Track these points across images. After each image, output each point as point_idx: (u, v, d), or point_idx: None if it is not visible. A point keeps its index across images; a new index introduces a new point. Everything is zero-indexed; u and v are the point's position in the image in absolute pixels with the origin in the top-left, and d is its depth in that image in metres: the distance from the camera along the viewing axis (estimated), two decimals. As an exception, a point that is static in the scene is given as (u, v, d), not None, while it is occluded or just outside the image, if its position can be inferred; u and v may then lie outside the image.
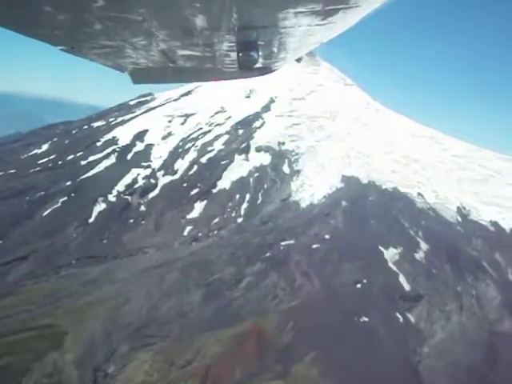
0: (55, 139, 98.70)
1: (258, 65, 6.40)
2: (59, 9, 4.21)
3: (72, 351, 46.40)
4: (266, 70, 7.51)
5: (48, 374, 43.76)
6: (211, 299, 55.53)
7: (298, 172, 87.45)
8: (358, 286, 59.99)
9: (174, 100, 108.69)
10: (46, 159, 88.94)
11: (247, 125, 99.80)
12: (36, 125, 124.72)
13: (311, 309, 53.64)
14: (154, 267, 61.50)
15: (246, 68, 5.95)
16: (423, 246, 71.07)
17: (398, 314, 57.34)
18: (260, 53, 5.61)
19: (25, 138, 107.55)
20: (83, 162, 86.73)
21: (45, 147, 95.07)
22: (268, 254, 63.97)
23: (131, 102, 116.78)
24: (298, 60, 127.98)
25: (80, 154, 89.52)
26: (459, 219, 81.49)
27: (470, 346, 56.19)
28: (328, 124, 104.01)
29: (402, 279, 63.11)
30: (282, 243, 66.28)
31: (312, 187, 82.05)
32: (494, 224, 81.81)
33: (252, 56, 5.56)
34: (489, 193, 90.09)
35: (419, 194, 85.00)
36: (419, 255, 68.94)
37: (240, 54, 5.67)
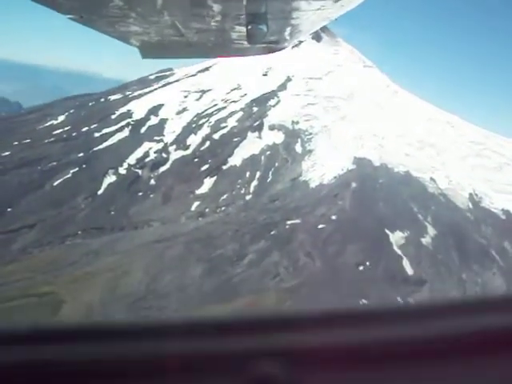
0: (72, 111, 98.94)
1: (267, 40, 6.27)
2: None
3: (69, 320, 46.87)
4: (275, 47, 7.35)
5: (44, 342, 44.33)
6: (211, 275, 55.73)
7: (310, 152, 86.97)
8: (361, 268, 59.76)
9: (192, 76, 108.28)
10: (61, 130, 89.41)
11: (262, 103, 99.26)
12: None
13: (310, 289, 53.48)
14: (158, 241, 61.83)
15: (255, 41, 5.82)
16: (431, 231, 70.47)
17: (399, 299, 56.97)
18: (269, 27, 5.49)
19: (43, 109, 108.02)
20: (97, 134, 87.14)
21: (61, 118, 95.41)
22: (273, 233, 63.91)
23: (151, 77, 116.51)
24: (318, 40, 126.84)
25: (94, 126, 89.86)
26: (470, 206, 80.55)
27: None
28: (344, 105, 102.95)
29: (405, 263, 62.73)
30: (288, 222, 66.12)
31: (323, 167, 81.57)
32: (506, 212, 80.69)
33: (261, 29, 5.41)
34: (502, 181, 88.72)
35: (431, 178, 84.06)
36: (426, 240, 68.39)
37: (249, 27, 5.50)
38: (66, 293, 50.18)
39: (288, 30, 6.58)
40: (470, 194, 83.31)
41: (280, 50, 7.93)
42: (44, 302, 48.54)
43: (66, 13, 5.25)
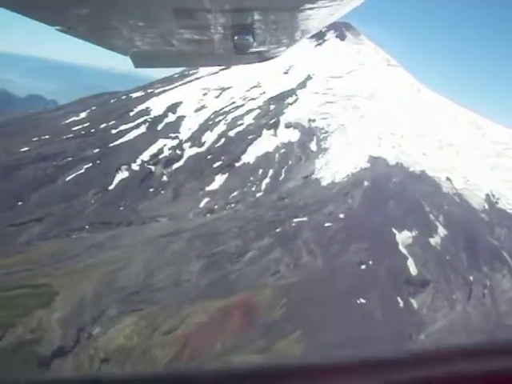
0: (93, 108, 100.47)
1: (256, 49, 6.42)
2: None
3: (60, 311, 47.54)
4: (265, 56, 7.48)
5: (31, 331, 45.06)
6: (210, 270, 55.76)
7: (325, 150, 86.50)
8: (363, 267, 59.05)
9: (213, 73, 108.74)
10: (80, 127, 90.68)
11: (280, 100, 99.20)
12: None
13: (309, 287, 53.12)
14: (162, 236, 62.10)
15: (242, 52, 5.96)
16: (441, 231, 69.29)
17: (398, 298, 56.21)
18: (256, 37, 5.63)
19: (68, 106, 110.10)
20: (114, 131, 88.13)
21: (82, 115, 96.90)
22: (278, 230, 63.64)
23: (175, 75, 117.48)
24: (342, 38, 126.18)
25: (112, 122, 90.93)
26: (486, 207, 78.95)
27: (471, 337, 54.64)
28: (363, 104, 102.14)
29: (410, 263, 61.74)
30: (295, 220, 65.78)
31: (336, 166, 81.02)
32: (523, 214, 78.93)
33: (247, 40, 5.53)
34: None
35: (448, 178, 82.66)
36: (434, 240, 67.27)
37: (235, 38, 5.62)
38: (61, 284, 50.74)
39: (277, 38, 6.65)
40: (487, 195, 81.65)
41: (270, 58, 8.00)
42: (38, 293, 49.19)
43: (52, 24, 5.33)
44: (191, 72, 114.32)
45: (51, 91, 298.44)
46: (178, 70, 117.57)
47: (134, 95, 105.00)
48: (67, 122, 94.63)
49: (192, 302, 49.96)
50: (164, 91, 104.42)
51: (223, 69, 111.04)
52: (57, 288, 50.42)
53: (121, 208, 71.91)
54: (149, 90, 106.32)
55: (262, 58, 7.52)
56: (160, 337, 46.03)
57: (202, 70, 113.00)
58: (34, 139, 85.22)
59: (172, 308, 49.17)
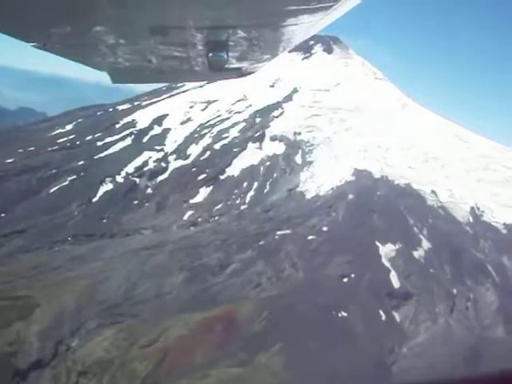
0: (80, 120, 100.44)
1: (232, 66, 6.37)
2: (28, 3, 4.16)
3: (39, 323, 47.19)
4: (242, 72, 7.43)
5: (9, 343, 44.72)
6: (191, 283, 55.54)
7: (310, 163, 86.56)
8: (345, 280, 58.93)
9: (200, 87, 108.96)
10: (66, 139, 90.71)
11: (266, 113, 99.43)
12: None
13: (290, 300, 52.97)
14: (144, 248, 61.85)
15: (216, 69, 5.91)
16: (425, 244, 69.24)
17: (381, 312, 56.09)
18: (231, 53, 5.59)
19: (56, 118, 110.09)
20: (99, 143, 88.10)
21: (68, 127, 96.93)
22: (261, 243, 63.46)
23: (163, 88, 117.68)
24: (329, 52, 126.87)
25: (98, 134, 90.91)
26: (470, 219, 79.04)
27: (453, 350, 54.56)
28: (349, 117, 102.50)
29: (393, 276, 61.65)
30: (278, 233, 65.65)
31: (321, 179, 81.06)
32: (508, 227, 78.92)
33: (222, 57, 5.48)
34: (508, 194, 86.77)
35: (433, 191, 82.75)
36: (418, 253, 67.18)
37: (210, 55, 5.57)
38: (41, 297, 50.40)
39: (253, 54, 6.60)
40: (472, 208, 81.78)
41: (248, 74, 7.94)
42: (18, 306, 48.79)
43: (27, 40, 5.25)
44: (178, 85, 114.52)
45: (42, 104, 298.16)
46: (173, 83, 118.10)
47: (121, 108, 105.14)
48: (53, 134, 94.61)
49: (172, 314, 49.71)
50: (150, 104, 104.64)
51: (210, 82, 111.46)
52: (37, 300, 50.06)
53: (104, 220, 71.69)
54: (135, 103, 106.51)
55: (240, 73, 7.50)
56: (139, 350, 45.68)
57: (189, 84, 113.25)
58: (20, 151, 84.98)
59: (152, 321, 48.89)
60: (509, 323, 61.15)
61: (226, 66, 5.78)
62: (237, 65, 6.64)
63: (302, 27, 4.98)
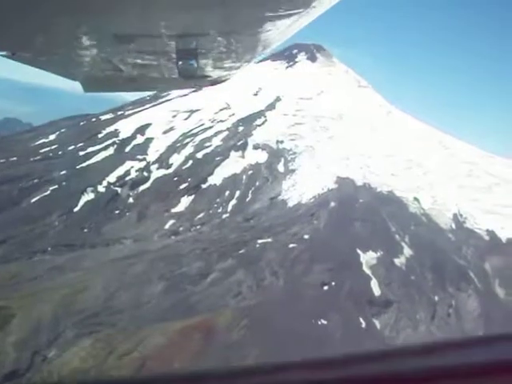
0: (63, 130, 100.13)
1: (204, 74, 6.28)
2: None
3: (15, 333, 46.85)
4: (215, 80, 7.34)
5: (-15, 355, 44.44)
6: (171, 292, 55.25)
7: (293, 171, 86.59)
8: (325, 288, 58.79)
9: (183, 95, 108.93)
10: (48, 149, 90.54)
11: (248, 122, 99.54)
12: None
13: (270, 308, 52.75)
14: (124, 258, 61.57)
15: (186, 77, 5.82)
16: (406, 251, 69.25)
17: (361, 319, 55.96)
18: (203, 61, 5.51)
19: (40, 128, 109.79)
20: (82, 153, 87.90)
21: (51, 137, 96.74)
22: (242, 251, 63.24)
23: (147, 97, 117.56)
24: (313, 60, 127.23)
25: (80, 144, 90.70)
26: (453, 226, 79.21)
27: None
28: (332, 125, 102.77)
29: (373, 284, 61.56)
30: (259, 241, 65.45)
31: (303, 187, 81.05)
32: (491, 233, 79.13)
33: (191, 64, 5.41)
34: (491, 201, 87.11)
35: (415, 198, 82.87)
36: (400, 261, 67.17)
37: (180, 63, 5.47)
38: (18, 307, 50.01)
39: (224, 62, 6.53)
40: (455, 215, 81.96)
41: (220, 82, 7.85)
42: (-7, 316, 48.54)
43: None
44: (162, 94, 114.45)
45: (28, 114, 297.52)
46: (149, 92, 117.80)
47: (104, 117, 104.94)
48: (36, 144, 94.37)
49: (151, 323, 49.39)
50: (134, 113, 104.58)
51: (193, 91, 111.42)
52: (13, 311, 49.65)
53: (85, 230, 71.40)
54: (119, 112, 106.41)
55: (214, 81, 7.45)
56: (116, 360, 45.33)
57: (173, 93, 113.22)
58: (2, 161, 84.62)
59: (130, 330, 48.57)
60: (490, 329, 61.25)
61: (199, 73, 5.74)
62: (209, 72, 6.61)
63: (274, 33, 4.95)
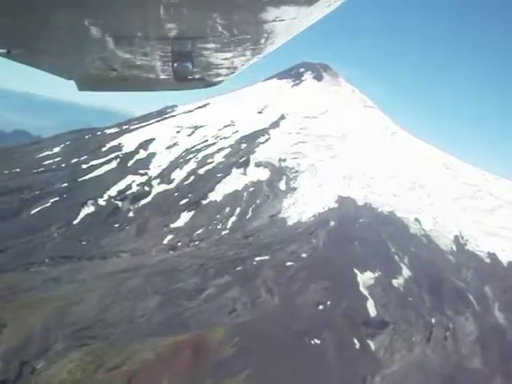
0: (68, 143, 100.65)
1: (198, 76, 6.37)
2: None
3: (5, 344, 46.79)
4: (207, 82, 7.42)
5: (-26, 365, 44.31)
6: (165, 307, 55.00)
7: (294, 189, 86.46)
8: (320, 307, 58.38)
9: (189, 111, 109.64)
10: (52, 161, 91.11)
11: (252, 139, 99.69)
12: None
13: (263, 326, 52.39)
14: (120, 271, 61.48)
15: (181, 79, 5.90)
16: (405, 272, 68.76)
17: (355, 340, 55.46)
18: (195, 63, 5.59)
19: (45, 141, 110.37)
20: (84, 166, 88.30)
21: (56, 150, 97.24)
22: (239, 268, 63.04)
23: (154, 113, 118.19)
24: (319, 79, 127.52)
25: (84, 157, 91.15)
26: (454, 248, 78.57)
27: (428, 380, 54.01)
28: (336, 144, 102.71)
29: (369, 304, 61.09)
30: (257, 258, 65.24)
31: (304, 205, 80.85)
32: (492, 256, 78.43)
33: (186, 67, 5.50)
34: (493, 223, 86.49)
35: (416, 219, 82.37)
36: (397, 282, 66.69)
37: (175, 65, 5.56)
38: (10, 317, 49.99)
39: (218, 66, 6.60)
40: (456, 236, 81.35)
41: (213, 84, 7.91)
42: (-16, 326, 48.47)
43: None
44: (167, 110, 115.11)
45: (39, 127, 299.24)
46: (156, 107, 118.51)
47: (109, 131, 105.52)
48: (40, 156, 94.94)
49: (142, 338, 49.09)
50: (138, 128, 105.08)
51: (199, 107, 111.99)
52: (5, 321, 49.61)
53: (83, 242, 71.50)
54: (124, 127, 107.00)
55: (207, 83, 7.47)
56: (104, 373, 45.06)
57: (178, 108, 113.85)
58: (5, 172, 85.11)
59: (120, 344, 48.29)
60: (487, 353, 60.66)
61: (193, 75, 5.76)
62: (204, 75, 6.63)
63: (268, 38, 4.95)
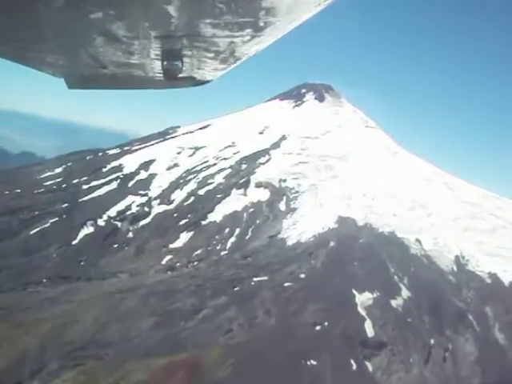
0: (69, 164, 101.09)
1: (186, 74, 6.46)
2: None
3: (-1, 364, 46.74)
4: (196, 81, 7.51)
5: (-34, 385, 44.20)
6: (161, 327, 54.78)
7: (294, 210, 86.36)
8: (317, 328, 58.01)
9: (189, 132, 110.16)
10: (52, 182, 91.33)
11: (252, 160, 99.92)
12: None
13: (259, 346, 52.08)
14: (118, 291, 61.35)
15: (171, 77, 5.99)
16: (404, 293, 68.34)
17: (352, 361, 54.98)
18: (185, 62, 5.68)
19: (48, 161, 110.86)
20: (85, 186, 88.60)
21: (58, 170, 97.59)
22: (236, 289, 62.85)
23: (155, 134, 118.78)
24: (321, 100, 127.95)
25: (85, 178, 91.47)
26: (454, 268, 78.11)
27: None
28: (337, 164, 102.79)
29: (367, 325, 60.64)
30: (255, 279, 65.03)
31: (304, 226, 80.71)
32: (493, 276, 77.94)
33: (176, 65, 5.59)
34: (494, 243, 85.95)
35: (417, 239, 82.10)
36: (396, 302, 66.24)
37: (164, 63, 5.68)
38: (6, 337, 49.98)
39: (207, 64, 6.65)
40: (457, 257, 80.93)
41: (202, 83, 7.99)
42: (-21, 346, 48.41)
43: None
44: (169, 131, 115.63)
45: (46, 148, 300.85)
46: (157, 128, 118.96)
47: (111, 152, 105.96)
48: (41, 176, 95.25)
49: (137, 358, 48.85)
50: (140, 149, 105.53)
51: (200, 128, 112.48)
52: (0, 341, 49.59)
53: (82, 263, 71.48)
54: (125, 148, 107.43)
55: (196, 82, 7.51)
56: (97, 394, 44.90)
57: (180, 129, 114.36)
58: (6, 193, 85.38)
59: (115, 364, 48.08)
60: (487, 374, 60.07)
61: (183, 74, 5.79)
62: (194, 73, 6.66)
63: (257, 37, 4.98)
